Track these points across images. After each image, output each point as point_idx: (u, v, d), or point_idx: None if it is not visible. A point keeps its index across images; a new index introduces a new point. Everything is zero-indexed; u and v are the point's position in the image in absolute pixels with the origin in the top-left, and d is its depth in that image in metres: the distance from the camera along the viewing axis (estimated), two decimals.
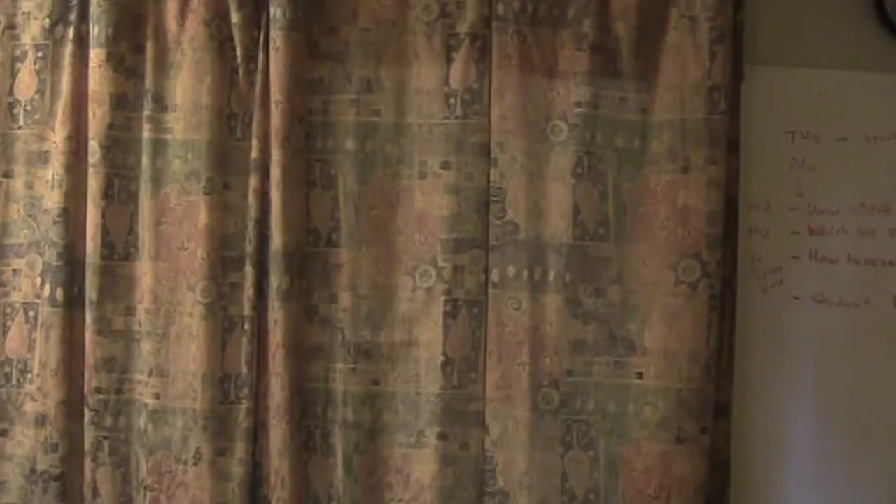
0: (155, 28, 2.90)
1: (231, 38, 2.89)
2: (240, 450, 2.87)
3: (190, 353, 2.87)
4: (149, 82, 2.90)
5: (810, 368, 2.98)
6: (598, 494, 2.86)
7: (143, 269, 2.90)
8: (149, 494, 2.88)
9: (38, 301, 2.92)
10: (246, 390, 2.87)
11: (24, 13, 2.94)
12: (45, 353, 2.89)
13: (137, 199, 2.91)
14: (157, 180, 2.89)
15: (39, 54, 2.94)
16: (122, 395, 2.91)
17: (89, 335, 2.89)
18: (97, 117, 2.88)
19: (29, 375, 2.92)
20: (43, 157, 2.94)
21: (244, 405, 2.87)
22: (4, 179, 2.95)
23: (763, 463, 2.97)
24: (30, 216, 2.94)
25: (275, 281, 2.85)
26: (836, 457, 2.98)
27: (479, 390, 2.88)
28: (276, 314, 2.85)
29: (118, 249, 2.91)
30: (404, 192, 2.90)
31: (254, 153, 2.88)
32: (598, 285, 2.86)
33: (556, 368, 2.86)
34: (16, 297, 2.94)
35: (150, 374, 2.89)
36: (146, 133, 2.90)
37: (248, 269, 2.87)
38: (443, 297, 2.87)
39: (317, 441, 2.90)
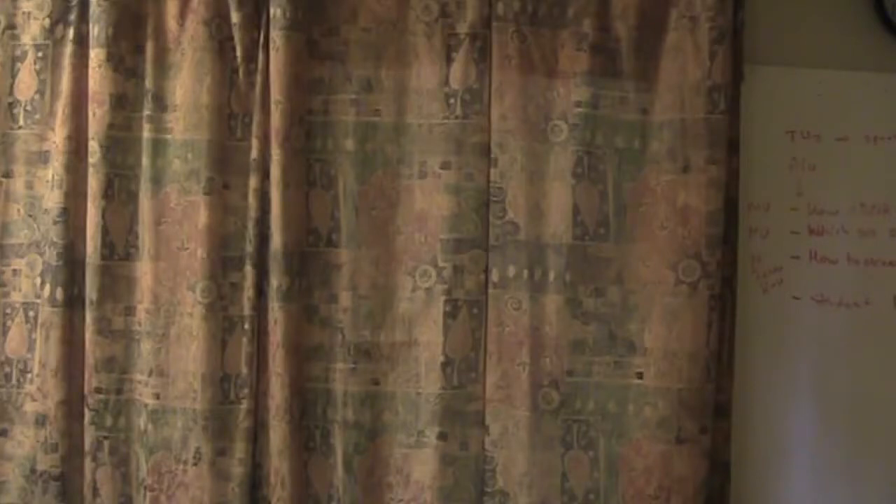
0: (155, 28, 2.90)
1: (231, 38, 2.89)
2: (240, 450, 2.87)
3: (190, 353, 2.87)
4: (149, 82, 2.90)
5: (810, 368, 2.98)
6: (598, 494, 2.86)
7: (143, 269, 2.90)
8: (149, 494, 2.88)
9: (38, 301, 2.92)
10: (246, 390, 2.87)
11: (24, 13, 2.94)
12: (45, 353, 2.89)
13: (137, 199, 2.91)
14: (157, 180, 2.89)
15: (39, 54, 2.94)
16: (122, 395, 2.91)
17: (89, 335, 2.89)
18: (97, 117, 2.88)
19: (29, 375, 2.92)
20: (43, 157, 2.94)
21: (244, 405, 2.87)
22: (4, 179, 2.95)
23: (763, 463, 2.97)
24: (30, 216, 2.94)
25: (275, 281, 2.85)
26: (836, 457, 2.98)
27: (479, 390, 2.88)
28: (276, 314, 2.85)
29: (118, 249, 2.91)
30: (404, 192, 2.90)
31: (254, 153, 2.88)
32: (598, 285, 2.86)
33: (556, 368, 2.86)
34: (16, 297, 2.94)
35: (150, 374, 2.89)
36: (146, 133, 2.90)
37: (248, 269, 2.87)
38: (443, 297, 2.87)
39: (317, 441, 2.90)
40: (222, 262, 2.89)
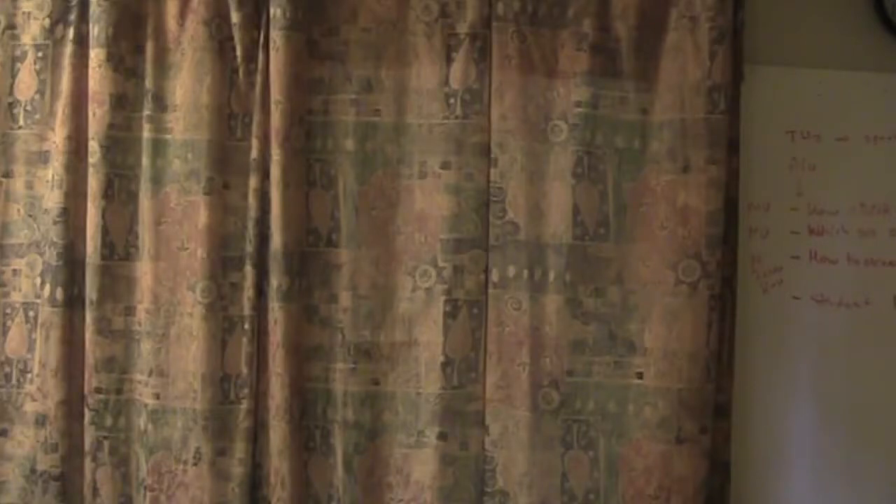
0: (155, 28, 2.90)
1: (231, 38, 2.89)
2: (240, 450, 2.87)
3: (190, 353, 2.87)
4: (149, 82, 2.90)
5: (810, 368, 2.98)
6: (598, 494, 2.86)
7: (143, 269, 2.90)
8: (149, 494, 2.88)
9: (38, 301, 2.92)
10: (246, 390, 2.87)
11: (24, 13, 2.94)
12: (45, 353, 2.89)
13: (137, 199, 2.91)
14: (157, 180, 2.89)
15: (39, 54, 2.94)
16: (122, 395, 2.91)
17: (89, 335, 2.89)
18: (97, 117, 2.88)
19: (29, 375, 2.92)
20: (43, 157, 2.94)
21: (244, 405, 2.87)
22: (4, 179, 2.95)
23: (763, 463, 2.97)
24: (30, 216, 2.94)
25: (275, 281, 2.85)
26: (836, 457, 2.98)
27: (479, 390, 2.88)
28: (276, 314, 2.85)
29: (118, 249, 2.91)
30: (404, 192, 2.90)
31: (254, 153, 2.88)
32: (598, 285, 2.86)
33: (556, 368, 2.86)
34: (16, 297, 2.94)
35: (150, 374, 2.89)
36: (146, 133, 2.90)
37: (248, 269, 2.87)
38: (443, 297, 2.87)
39: (317, 441, 2.90)
40: (222, 262, 2.89)
